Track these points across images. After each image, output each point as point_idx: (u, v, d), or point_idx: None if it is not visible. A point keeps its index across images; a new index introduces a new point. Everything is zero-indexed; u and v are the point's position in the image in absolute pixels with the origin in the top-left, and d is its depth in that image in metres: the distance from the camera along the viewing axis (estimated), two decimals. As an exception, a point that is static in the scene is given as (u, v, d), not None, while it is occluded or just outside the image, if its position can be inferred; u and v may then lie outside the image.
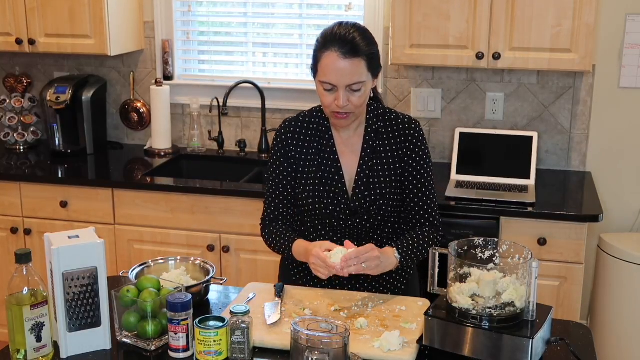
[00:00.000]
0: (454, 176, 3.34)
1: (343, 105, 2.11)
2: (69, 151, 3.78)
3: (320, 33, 2.17)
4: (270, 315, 2.00)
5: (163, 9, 3.82)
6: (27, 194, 3.45)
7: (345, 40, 2.08)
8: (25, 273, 1.77)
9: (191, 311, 1.83)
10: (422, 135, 2.26)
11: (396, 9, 3.19)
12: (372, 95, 2.25)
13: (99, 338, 1.88)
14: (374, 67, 2.14)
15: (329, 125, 2.27)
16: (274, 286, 2.19)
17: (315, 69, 2.16)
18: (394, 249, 2.16)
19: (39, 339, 1.79)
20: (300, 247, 2.20)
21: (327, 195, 2.23)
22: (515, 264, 1.86)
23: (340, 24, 2.15)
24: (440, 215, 2.30)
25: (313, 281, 2.30)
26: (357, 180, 2.22)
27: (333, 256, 2.05)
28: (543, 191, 3.22)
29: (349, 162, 2.25)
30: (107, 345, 1.89)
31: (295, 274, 2.35)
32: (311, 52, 3.72)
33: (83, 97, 3.74)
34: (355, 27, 2.14)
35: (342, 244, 2.24)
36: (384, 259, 2.09)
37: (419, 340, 1.87)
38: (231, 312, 1.80)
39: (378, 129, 2.25)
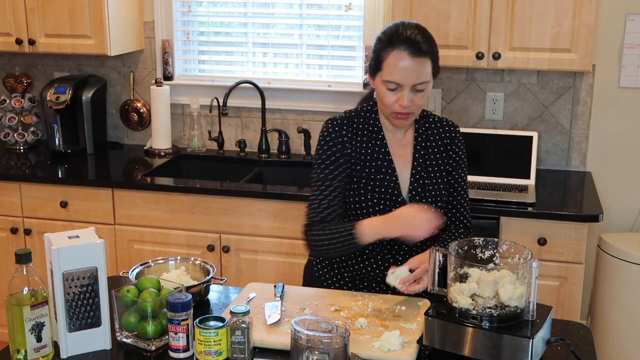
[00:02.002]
0: (454, 176, 3.34)
1: (407, 105, 2.08)
2: (69, 151, 3.78)
3: (382, 32, 2.14)
4: (270, 315, 2.00)
5: (163, 9, 3.82)
6: (27, 194, 3.45)
7: (413, 40, 2.06)
8: (25, 273, 1.77)
9: (191, 311, 1.83)
10: (462, 138, 2.28)
11: (396, 9, 3.19)
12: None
13: (99, 338, 1.88)
14: (437, 67, 2.13)
15: (379, 125, 2.22)
16: (274, 286, 2.19)
17: (377, 68, 2.11)
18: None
19: (39, 339, 1.79)
20: (373, 221, 2.08)
21: (384, 197, 2.18)
22: (515, 264, 1.86)
23: (402, 23, 2.12)
24: (471, 217, 2.33)
25: (340, 282, 2.28)
26: (412, 182, 2.20)
27: (395, 274, 2.08)
28: (543, 191, 3.22)
29: (401, 164, 2.22)
30: (107, 345, 1.89)
31: (325, 278, 2.31)
32: (311, 52, 3.78)
33: (83, 97, 3.74)
34: (418, 27, 2.12)
35: (392, 248, 2.23)
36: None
37: (419, 340, 1.87)
38: (231, 312, 1.81)
39: (427, 131, 2.25)
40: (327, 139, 2.20)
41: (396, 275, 2.07)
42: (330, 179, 2.17)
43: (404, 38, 2.07)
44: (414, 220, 2.04)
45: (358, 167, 2.20)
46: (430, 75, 2.11)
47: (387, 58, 2.08)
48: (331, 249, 2.13)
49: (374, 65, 2.14)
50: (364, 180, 2.19)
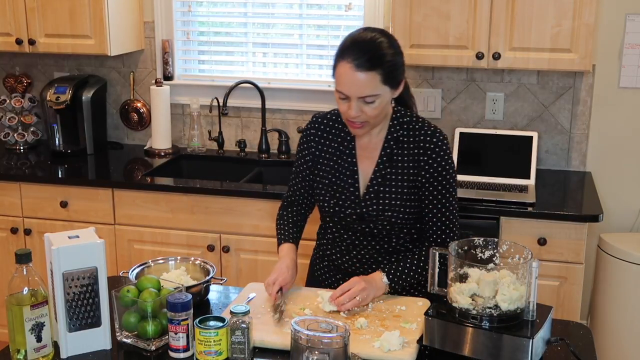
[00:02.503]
0: (454, 176, 3.34)
1: (355, 116, 2.07)
2: (69, 151, 3.78)
3: (344, 37, 2.12)
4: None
5: (163, 9, 3.82)
6: (27, 194, 3.45)
7: (362, 51, 2.02)
8: (25, 273, 1.77)
9: (191, 311, 1.83)
10: (444, 149, 2.15)
11: (396, 9, 3.19)
12: (392, 103, 2.18)
13: (99, 338, 1.88)
14: (392, 78, 2.06)
15: None
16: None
17: (333, 75, 2.11)
18: (383, 273, 2.14)
19: (39, 339, 1.79)
20: (281, 251, 2.27)
21: (340, 196, 2.21)
22: (515, 264, 1.86)
23: (365, 29, 2.10)
24: (458, 234, 2.21)
25: (340, 282, 2.27)
26: (369, 187, 2.19)
27: (324, 303, 2.07)
28: (543, 191, 3.22)
29: (366, 168, 2.21)
30: (107, 345, 1.89)
31: (323, 279, 2.37)
32: (311, 52, 3.78)
33: (83, 97, 3.74)
34: (382, 34, 2.08)
35: (355, 245, 2.25)
36: (371, 287, 2.08)
37: (419, 340, 1.87)
38: (231, 312, 1.81)
39: (399, 137, 2.18)
40: (303, 134, 2.31)
41: (325, 298, 2.07)
42: (296, 172, 2.34)
43: (354, 48, 2.03)
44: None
45: (323, 164, 2.25)
46: (381, 88, 2.04)
47: (337, 68, 2.08)
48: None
49: (332, 71, 2.13)
50: (325, 179, 2.24)
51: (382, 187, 2.18)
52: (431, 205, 2.18)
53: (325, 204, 2.23)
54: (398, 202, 2.17)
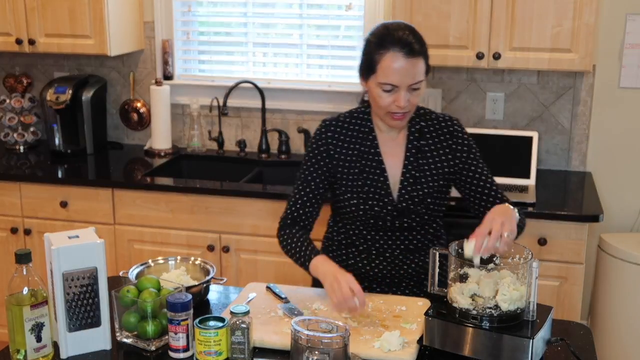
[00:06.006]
0: (454, 176, 3.34)
1: (404, 106, 2.09)
2: (69, 151, 3.78)
3: (370, 34, 2.15)
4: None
5: (163, 9, 3.82)
6: (27, 194, 3.45)
7: (405, 41, 2.08)
8: (25, 273, 1.77)
9: (191, 311, 1.83)
10: (465, 131, 2.28)
11: (396, 9, 3.19)
12: None
13: (99, 338, 1.88)
14: (428, 65, 2.16)
15: (372, 126, 2.25)
16: (267, 287, 2.19)
17: (371, 70, 2.12)
18: (505, 204, 2.10)
19: (39, 339, 1.79)
20: (325, 264, 2.10)
21: (372, 196, 2.21)
22: (515, 264, 1.86)
23: (391, 24, 2.15)
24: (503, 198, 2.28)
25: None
26: (402, 180, 2.21)
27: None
28: (543, 191, 3.22)
29: (393, 163, 2.23)
30: (107, 345, 1.89)
31: None
32: (311, 52, 3.77)
33: (83, 97, 3.74)
34: (408, 27, 2.14)
35: (385, 243, 2.25)
36: (505, 217, 1.94)
37: (419, 340, 1.87)
38: (231, 312, 1.81)
39: (422, 129, 2.24)
40: (314, 140, 2.27)
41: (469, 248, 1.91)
42: (309, 180, 2.25)
43: (396, 39, 2.08)
44: (329, 287, 2.03)
45: (347, 167, 2.23)
46: (423, 74, 2.13)
47: (382, 60, 2.09)
48: (290, 257, 2.24)
49: (366, 68, 2.14)
50: (353, 182, 2.22)
51: (416, 179, 2.21)
52: (482, 183, 2.24)
53: (361, 207, 2.21)
54: (434, 189, 2.21)
